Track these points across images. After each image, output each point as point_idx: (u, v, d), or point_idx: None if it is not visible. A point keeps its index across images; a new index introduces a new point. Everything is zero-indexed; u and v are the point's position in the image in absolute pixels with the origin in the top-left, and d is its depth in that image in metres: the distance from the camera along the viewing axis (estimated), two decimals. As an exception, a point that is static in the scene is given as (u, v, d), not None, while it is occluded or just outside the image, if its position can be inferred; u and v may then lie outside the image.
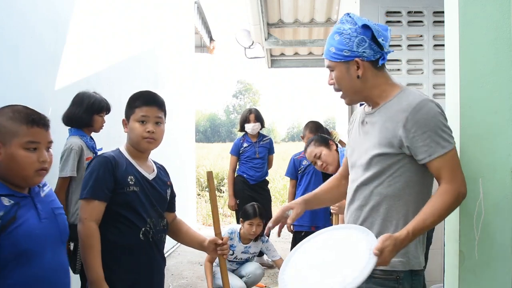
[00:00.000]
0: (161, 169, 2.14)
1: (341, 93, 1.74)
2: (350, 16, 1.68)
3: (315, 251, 1.61)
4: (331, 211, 2.84)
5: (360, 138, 1.73)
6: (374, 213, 1.64)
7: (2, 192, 1.48)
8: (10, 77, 2.68)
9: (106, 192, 1.88)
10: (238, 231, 3.90)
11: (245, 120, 5.19)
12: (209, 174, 2.07)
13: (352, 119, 1.88)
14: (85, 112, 2.99)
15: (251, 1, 5.48)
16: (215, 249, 2.09)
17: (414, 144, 1.54)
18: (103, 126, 3.13)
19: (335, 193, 2.03)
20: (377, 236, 1.50)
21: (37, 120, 1.54)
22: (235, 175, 5.16)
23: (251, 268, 4.00)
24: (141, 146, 1.99)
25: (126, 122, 2.03)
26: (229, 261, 3.94)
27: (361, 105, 1.84)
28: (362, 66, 1.63)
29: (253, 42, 7.05)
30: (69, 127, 3.05)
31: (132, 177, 1.94)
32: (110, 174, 1.90)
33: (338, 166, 2.96)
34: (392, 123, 1.59)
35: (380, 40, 1.61)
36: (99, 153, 2.94)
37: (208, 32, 9.21)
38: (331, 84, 1.73)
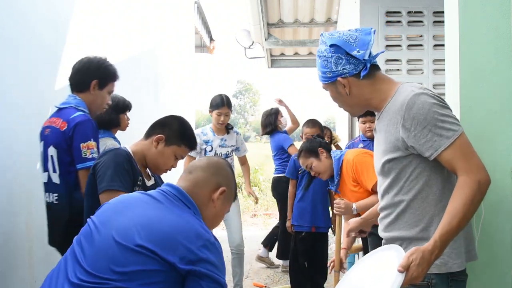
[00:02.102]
0: (159, 179, 2.18)
1: None
2: (323, 36, 1.65)
3: (359, 276, 1.56)
4: (335, 212, 2.82)
5: (375, 146, 1.71)
6: (400, 220, 1.57)
7: None
8: (10, 77, 2.68)
9: (130, 184, 1.90)
10: (210, 126, 3.93)
11: (276, 120, 4.97)
12: None
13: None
14: (112, 113, 3.04)
15: (251, 1, 5.48)
16: None
17: (417, 142, 1.47)
18: (128, 124, 3.23)
19: None
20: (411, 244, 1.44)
21: (236, 196, 1.72)
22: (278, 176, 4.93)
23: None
24: (155, 171, 2.10)
25: (162, 140, 2.04)
26: None
27: None
28: (347, 83, 1.61)
29: (253, 42, 7.05)
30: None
31: (140, 178, 1.99)
32: (130, 170, 1.92)
33: (332, 172, 2.90)
34: (393, 126, 1.54)
35: (355, 53, 1.56)
36: None
37: (208, 32, 9.20)
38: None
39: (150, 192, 1.47)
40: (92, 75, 2.43)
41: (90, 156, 2.16)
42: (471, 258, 1.56)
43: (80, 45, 3.57)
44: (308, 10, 6.35)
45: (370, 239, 2.86)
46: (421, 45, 3.79)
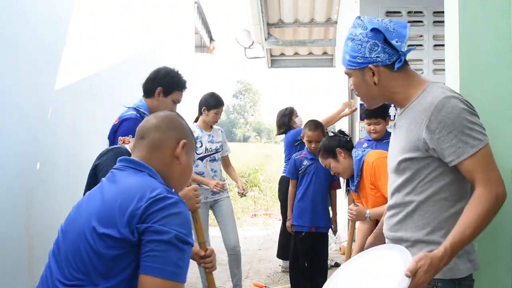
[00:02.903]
0: None
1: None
2: (361, 20, 1.58)
3: (355, 274, 1.52)
4: (348, 217, 2.74)
5: (392, 142, 1.67)
6: (408, 220, 1.54)
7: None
8: (10, 77, 2.68)
9: None
10: (196, 124, 3.97)
11: (290, 120, 4.87)
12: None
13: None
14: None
15: (251, 1, 5.48)
16: (199, 260, 2.00)
17: (440, 145, 1.43)
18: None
19: None
20: (414, 246, 1.43)
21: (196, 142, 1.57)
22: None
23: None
24: None
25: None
26: (202, 158, 3.89)
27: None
28: (377, 72, 1.55)
29: (253, 42, 7.06)
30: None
31: None
32: None
33: (352, 172, 2.80)
34: (416, 125, 1.49)
35: (393, 42, 1.52)
36: None
37: (208, 32, 9.20)
38: (353, 89, 1.69)
39: (105, 178, 1.42)
40: (158, 82, 2.70)
41: None
42: (475, 267, 1.53)
43: (80, 45, 3.57)
44: (308, 10, 6.36)
45: None
46: (421, 45, 3.79)
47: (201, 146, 3.89)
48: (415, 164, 1.51)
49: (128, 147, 2.05)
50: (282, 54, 8.63)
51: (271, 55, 8.46)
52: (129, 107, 2.68)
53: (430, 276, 1.33)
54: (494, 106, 1.74)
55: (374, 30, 1.53)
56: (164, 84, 2.69)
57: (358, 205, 2.72)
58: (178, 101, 2.78)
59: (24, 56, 2.85)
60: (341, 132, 3.08)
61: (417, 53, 3.79)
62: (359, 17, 1.60)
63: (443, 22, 1.98)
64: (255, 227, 8.23)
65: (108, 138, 2.61)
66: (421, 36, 3.81)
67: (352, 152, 2.83)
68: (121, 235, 1.20)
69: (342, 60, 1.64)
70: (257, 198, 10.39)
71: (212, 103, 3.90)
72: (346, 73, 1.64)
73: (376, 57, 1.53)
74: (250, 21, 6.12)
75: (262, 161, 14.98)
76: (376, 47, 1.53)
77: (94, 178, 1.91)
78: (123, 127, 2.48)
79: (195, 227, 2.04)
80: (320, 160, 2.99)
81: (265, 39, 6.80)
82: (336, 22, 6.60)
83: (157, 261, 1.18)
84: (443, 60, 1.98)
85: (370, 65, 1.54)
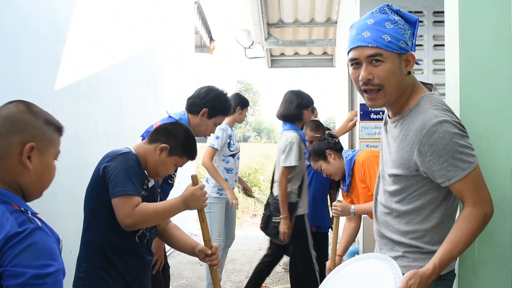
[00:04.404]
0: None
1: (375, 92, 1.50)
2: (389, 7, 1.51)
3: (344, 284, 1.56)
4: (333, 214, 2.82)
5: (384, 147, 1.67)
6: (394, 222, 1.59)
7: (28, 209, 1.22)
8: (10, 77, 2.68)
9: (141, 188, 1.89)
10: (226, 123, 3.96)
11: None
12: (194, 178, 2.02)
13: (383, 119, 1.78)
14: (296, 108, 3.54)
15: (251, 1, 5.48)
16: (205, 258, 2.03)
17: (431, 168, 1.45)
18: (310, 118, 3.76)
19: None
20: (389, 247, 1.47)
21: (61, 128, 1.33)
22: None
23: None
24: (153, 176, 2.06)
25: (166, 150, 1.99)
26: (234, 155, 4.03)
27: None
28: (413, 62, 1.50)
29: (253, 42, 7.06)
30: (284, 122, 3.64)
31: (145, 181, 1.98)
32: (140, 173, 1.92)
33: (343, 173, 2.87)
34: (407, 145, 1.49)
35: (415, 39, 1.52)
36: None
37: (208, 32, 9.20)
38: (368, 79, 1.48)
39: None
40: (206, 104, 2.73)
41: None
42: (454, 262, 1.59)
43: (80, 45, 3.58)
44: (308, 10, 6.36)
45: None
46: (421, 45, 3.79)
47: (233, 144, 4.03)
48: (404, 180, 1.54)
49: (132, 149, 2.02)
50: (282, 54, 8.63)
51: (271, 55, 8.47)
52: (170, 116, 2.71)
53: None
54: (494, 106, 1.74)
55: (416, 22, 1.50)
56: (211, 106, 2.73)
57: (342, 201, 2.79)
58: (219, 124, 2.90)
59: (24, 56, 2.85)
60: (330, 135, 3.15)
61: (417, 53, 3.75)
62: (389, 5, 1.51)
63: (443, 22, 1.98)
64: (255, 227, 8.23)
65: (142, 137, 2.61)
66: (421, 36, 3.81)
67: (342, 153, 2.89)
68: None
69: (375, 39, 1.45)
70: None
71: (246, 102, 4.15)
72: (375, 54, 1.45)
73: (411, 47, 1.50)
74: (250, 21, 6.12)
75: (262, 161, 14.99)
76: (412, 38, 1.50)
77: (101, 180, 1.89)
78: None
79: (201, 225, 2.07)
80: (311, 164, 3.04)
81: (265, 39, 6.80)
82: (336, 22, 6.60)
83: None
84: (443, 60, 1.98)
85: (410, 52, 1.49)
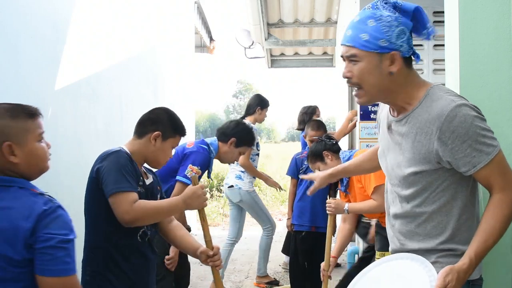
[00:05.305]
0: (154, 175, 2.16)
1: (357, 89, 1.49)
2: (385, 3, 1.44)
3: (374, 285, 1.50)
4: (327, 212, 2.81)
5: (391, 146, 1.56)
6: (420, 229, 1.50)
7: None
8: (10, 77, 2.68)
9: (136, 185, 1.88)
10: (250, 123, 4.07)
11: (310, 119, 4.78)
12: (194, 178, 2.03)
13: (378, 117, 1.71)
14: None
15: (251, 1, 5.48)
16: (207, 259, 2.02)
17: (454, 156, 1.38)
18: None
19: (366, 166, 2.00)
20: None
21: (34, 111, 1.49)
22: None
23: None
24: (156, 166, 2.11)
25: (159, 137, 2.01)
26: (258, 154, 4.33)
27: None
28: (398, 62, 1.42)
29: (253, 42, 7.05)
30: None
31: (141, 178, 1.97)
32: (133, 170, 1.90)
33: None
34: (425, 136, 1.42)
35: (424, 32, 1.45)
36: None
37: (208, 32, 9.20)
38: (347, 77, 1.48)
39: None
40: (235, 134, 3.13)
41: None
42: (481, 267, 1.53)
43: (80, 45, 3.58)
44: (308, 10, 6.36)
45: (378, 238, 2.85)
46: (421, 45, 3.79)
47: (259, 144, 4.33)
48: (426, 177, 1.45)
49: (125, 148, 2.02)
50: (282, 54, 8.63)
51: (271, 55, 8.46)
52: (203, 139, 3.11)
53: None
54: (494, 106, 1.74)
55: (416, 11, 1.43)
56: (239, 137, 3.12)
57: (335, 199, 2.80)
58: (243, 154, 3.34)
59: (24, 56, 2.85)
60: (327, 136, 3.16)
61: (417, 53, 3.79)
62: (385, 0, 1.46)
63: (443, 22, 1.98)
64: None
65: (176, 152, 2.93)
66: (421, 36, 3.81)
67: (340, 154, 2.90)
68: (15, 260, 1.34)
69: (352, 39, 1.44)
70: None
71: (266, 103, 4.37)
72: (352, 55, 1.44)
73: (401, 45, 1.42)
74: (250, 21, 6.12)
75: (262, 161, 14.96)
76: (403, 35, 1.41)
77: (96, 182, 1.89)
78: (194, 156, 2.90)
79: (202, 225, 2.07)
80: (309, 165, 3.04)
81: (265, 39, 6.80)
82: (336, 22, 6.60)
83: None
84: (443, 60, 1.98)
85: (394, 52, 1.41)
